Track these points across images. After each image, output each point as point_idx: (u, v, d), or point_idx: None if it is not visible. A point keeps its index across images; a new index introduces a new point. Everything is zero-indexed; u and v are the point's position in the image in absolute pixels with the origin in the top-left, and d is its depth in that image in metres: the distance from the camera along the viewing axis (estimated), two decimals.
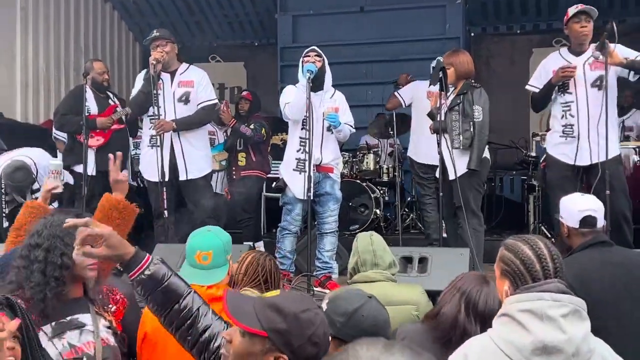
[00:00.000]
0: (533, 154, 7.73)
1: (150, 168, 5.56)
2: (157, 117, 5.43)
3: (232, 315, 1.83)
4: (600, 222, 3.44)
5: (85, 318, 2.41)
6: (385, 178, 7.61)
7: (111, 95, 6.61)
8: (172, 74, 5.61)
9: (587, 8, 5.15)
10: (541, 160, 5.39)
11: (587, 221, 3.37)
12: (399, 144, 7.90)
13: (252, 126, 6.78)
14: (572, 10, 5.25)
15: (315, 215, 5.19)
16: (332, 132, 5.34)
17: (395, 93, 6.72)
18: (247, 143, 6.86)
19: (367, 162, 7.48)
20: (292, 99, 5.16)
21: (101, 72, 6.43)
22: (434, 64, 5.92)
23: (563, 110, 5.18)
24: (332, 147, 5.40)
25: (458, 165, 5.03)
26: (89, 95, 6.07)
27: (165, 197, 5.36)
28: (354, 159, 7.49)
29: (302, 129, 5.22)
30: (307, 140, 4.97)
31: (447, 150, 5.05)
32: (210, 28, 10.58)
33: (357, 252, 3.45)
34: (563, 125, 5.17)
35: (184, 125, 5.55)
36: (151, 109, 5.53)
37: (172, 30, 10.53)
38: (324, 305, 2.35)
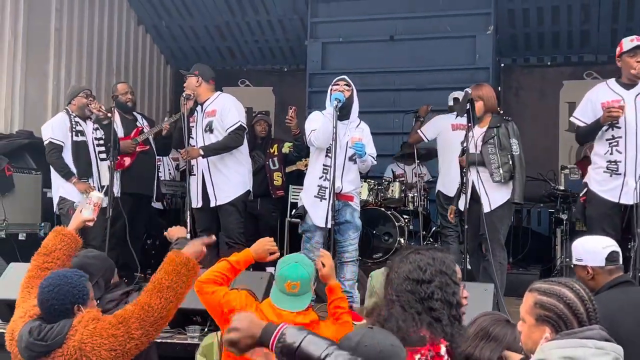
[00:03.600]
0: (562, 187, 7.63)
1: (192, 196, 5.72)
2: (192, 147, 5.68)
3: None
4: (621, 260, 3.40)
5: None
6: (410, 207, 7.55)
7: (139, 117, 6.70)
8: (202, 105, 5.78)
9: None
10: (581, 195, 5.26)
11: (613, 257, 3.33)
12: (425, 173, 7.85)
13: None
14: (627, 44, 4.91)
15: (335, 243, 5.15)
16: (355, 162, 5.32)
17: (418, 130, 6.65)
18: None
19: (392, 191, 7.43)
20: (318, 127, 5.16)
21: (123, 93, 6.50)
22: (454, 95, 5.91)
23: (610, 146, 4.95)
24: (353, 176, 5.40)
25: (494, 197, 4.99)
26: (116, 118, 6.15)
27: (189, 221, 5.51)
28: (379, 187, 7.45)
29: (326, 156, 5.22)
30: (330, 168, 4.97)
31: (480, 183, 4.99)
32: (241, 53, 10.67)
33: (374, 293, 3.44)
34: (608, 162, 4.96)
35: (211, 152, 5.65)
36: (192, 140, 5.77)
37: (203, 54, 10.74)
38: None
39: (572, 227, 7.34)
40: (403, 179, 7.97)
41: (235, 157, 5.81)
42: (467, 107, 4.90)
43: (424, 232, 7.19)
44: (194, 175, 5.66)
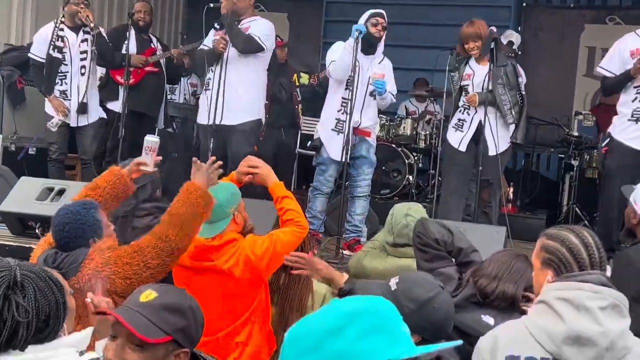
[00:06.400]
0: (575, 133, 7.56)
1: (201, 112, 5.56)
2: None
3: (138, 333, 1.78)
4: None
5: None
6: (421, 145, 7.50)
7: (154, 40, 6.61)
8: (238, 23, 5.43)
9: None
10: (603, 145, 5.16)
11: None
12: (438, 111, 7.77)
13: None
14: None
15: (348, 178, 5.14)
16: (375, 98, 5.25)
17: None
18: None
19: (404, 127, 7.37)
20: (337, 58, 5.06)
21: (137, 11, 6.38)
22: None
23: (638, 93, 4.82)
24: (372, 112, 5.34)
25: (499, 141, 4.98)
26: (131, 34, 6.07)
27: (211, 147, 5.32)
28: (391, 123, 7.39)
29: (345, 89, 5.13)
30: (349, 102, 4.90)
31: (488, 125, 4.98)
32: None
33: (391, 231, 3.42)
34: (634, 109, 4.83)
35: (232, 22, 5.28)
36: None
37: None
38: (393, 285, 2.24)
39: (582, 174, 7.32)
40: (416, 116, 7.90)
41: (253, 82, 5.53)
42: (492, 47, 4.81)
43: (433, 171, 7.15)
44: (209, 90, 5.40)
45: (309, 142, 5.87)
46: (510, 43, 5.52)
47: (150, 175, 3.51)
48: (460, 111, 5.26)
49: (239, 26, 5.40)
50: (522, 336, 1.98)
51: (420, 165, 7.59)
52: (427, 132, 7.53)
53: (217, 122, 5.35)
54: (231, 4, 5.27)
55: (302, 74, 7.03)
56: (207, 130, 5.40)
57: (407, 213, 3.51)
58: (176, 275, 2.96)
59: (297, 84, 7.13)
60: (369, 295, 2.23)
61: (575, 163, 7.30)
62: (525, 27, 9.40)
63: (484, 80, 5.04)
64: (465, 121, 5.17)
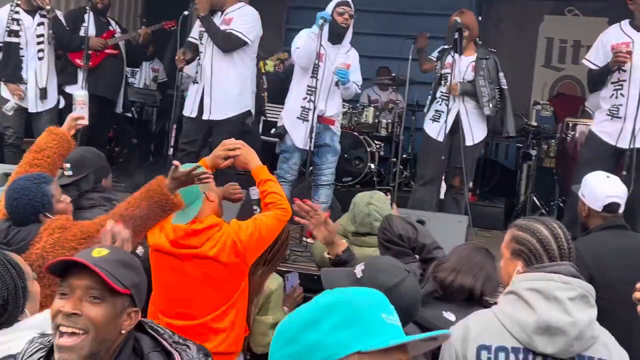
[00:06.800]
0: (533, 122, 7.67)
1: (188, 105, 5.48)
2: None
3: (110, 281, 1.72)
4: (622, 209, 3.33)
5: None
6: (383, 133, 7.52)
7: (112, 23, 6.52)
8: (222, 13, 5.36)
9: None
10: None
11: (612, 207, 3.27)
12: (400, 100, 7.80)
13: None
14: None
15: (312, 166, 5.13)
16: (339, 87, 5.24)
17: (432, 57, 6.06)
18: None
19: (366, 115, 7.38)
20: (301, 45, 5.03)
21: None
22: None
23: (614, 90, 4.91)
24: (337, 100, 5.34)
25: (477, 132, 5.13)
26: (89, 17, 5.95)
27: (173, 134, 5.34)
28: (354, 111, 7.39)
29: (311, 77, 5.09)
30: (315, 90, 4.88)
31: (465, 115, 5.06)
32: None
33: (353, 220, 3.42)
34: (611, 105, 4.93)
35: (210, 22, 5.25)
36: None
37: None
38: (359, 272, 2.21)
39: (539, 163, 7.44)
40: (378, 104, 7.92)
41: (239, 76, 5.44)
42: (455, 37, 4.84)
43: (395, 159, 7.19)
44: (197, 83, 5.37)
45: (273, 130, 5.82)
46: None
47: (92, 165, 3.47)
48: (437, 102, 5.30)
49: (224, 15, 5.34)
50: (493, 326, 2.01)
51: (381, 153, 7.61)
52: (389, 120, 7.55)
53: (205, 117, 5.36)
54: (206, 1, 5.22)
55: (267, 60, 6.96)
56: (192, 122, 5.40)
57: (369, 202, 3.49)
58: (156, 261, 2.90)
59: (263, 71, 7.06)
60: (334, 283, 2.26)
61: (533, 152, 7.40)
62: (485, 17, 9.48)
63: (465, 71, 5.14)
64: (443, 112, 5.20)
